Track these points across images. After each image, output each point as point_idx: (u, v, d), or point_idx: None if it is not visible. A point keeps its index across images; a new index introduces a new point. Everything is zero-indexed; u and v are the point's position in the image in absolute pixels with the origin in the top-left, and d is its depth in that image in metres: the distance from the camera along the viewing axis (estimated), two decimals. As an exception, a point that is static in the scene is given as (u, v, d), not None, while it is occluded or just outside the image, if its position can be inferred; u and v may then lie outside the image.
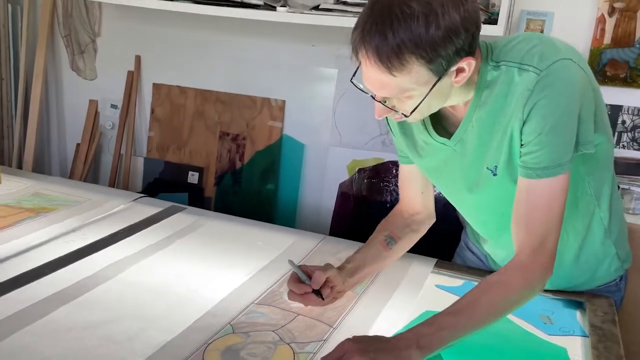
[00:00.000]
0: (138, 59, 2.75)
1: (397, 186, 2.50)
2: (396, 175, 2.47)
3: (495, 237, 1.24)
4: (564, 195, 0.98)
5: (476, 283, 1.07)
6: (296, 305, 1.13)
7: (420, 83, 0.92)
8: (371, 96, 0.98)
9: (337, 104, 2.53)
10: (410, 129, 1.15)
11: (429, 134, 1.11)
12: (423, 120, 1.09)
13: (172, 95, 2.72)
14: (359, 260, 1.16)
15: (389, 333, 1.06)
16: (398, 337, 0.92)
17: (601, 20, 1.88)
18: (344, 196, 2.53)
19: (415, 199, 1.26)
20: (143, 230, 1.48)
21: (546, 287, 1.25)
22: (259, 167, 2.64)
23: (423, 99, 0.94)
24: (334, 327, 1.08)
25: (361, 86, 0.97)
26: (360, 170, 2.48)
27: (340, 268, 1.13)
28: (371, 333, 1.06)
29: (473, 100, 1.03)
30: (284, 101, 2.59)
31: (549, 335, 1.14)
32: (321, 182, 2.52)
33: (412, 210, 1.26)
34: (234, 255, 1.37)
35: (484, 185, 1.08)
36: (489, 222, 1.21)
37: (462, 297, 0.97)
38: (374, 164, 2.47)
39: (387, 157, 2.52)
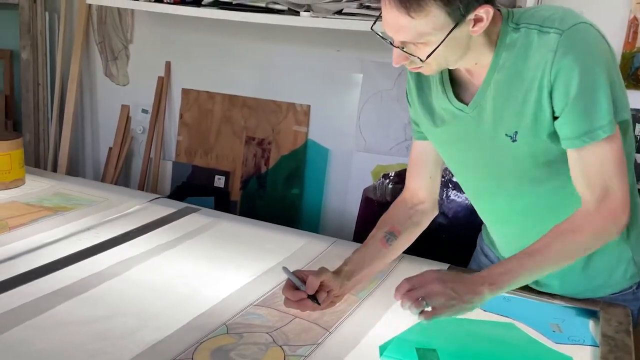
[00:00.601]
0: (168, 65, 2.80)
1: None
2: None
3: (504, 222, 1.21)
4: (618, 153, 0.98)
5: None
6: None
7: (437, 28, 0.93)
8: (390, 43, 0.99)
9: (362, 109, 2.52)
10: (429, 97, 1.14)
11: (448, 100, 1.09)
12: (443, 85, 1.09)
13: (201, 100, 2.75)
14: (356, 261, 1.14)
15: (386, 339, 1.04)
16: (474, 275, 0.99)
17: (633, 23, 1.81)
18: (368, 201, 2.50)
19: (422, 185, 1.24)
20: (155, 230, 1.49)
21: (557, 293, 1.24)
22: (284, 172, 2.64)
23: (439, 45, 0.94)
24: (330, 331, 1.06)
25: (380, 33, 0.99)
26: (384, 175, 2.45)
27: (337, 272, 1.10)
28: (368, 339, 1.04)
29: (492, 62, 1.02)
30: (309, 106, 2.59)
31: (556, 343, 1.09)
32: (345, 187, 2.51)
33: (417, 199, 1.24)
34: (241, 256, 1.36)
35: (501, 153, 1.07)
36: (499, 202, 1.18)
37: (534, 242, 1.00)
38: (399, 169, 2.44)
39: (412, 163, 2.46)
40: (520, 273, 0.98)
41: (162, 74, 2.81)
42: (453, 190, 2.47)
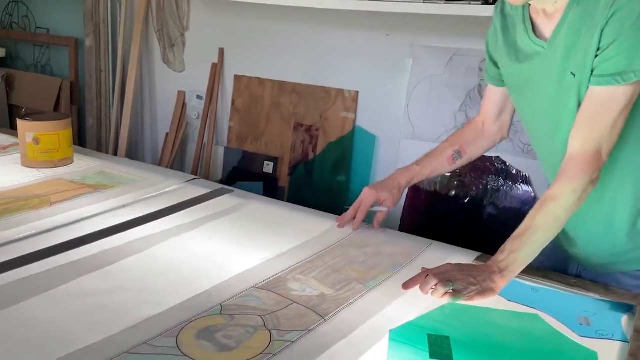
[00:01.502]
0: (221, 52, 2.84)
1: (471, 181, 2.36)
2: (472, 170, 2.34)
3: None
4: (629, 107, 1.02)
5: None
6: (296, 293, 1.09)
7: None
8: None
9: (411, 95, 2.44)
10: (513, 36, 1.19)
11: (529, 37, 1.15)
12: (524, 24, 1.15)
13: (252, 87, 2.77)
14: (425, 165, 1.39)
15: (383, 331, 0.99)
16: (484, 264, 1.09)
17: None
18: (415, 190, 2.43)
19: (494, 113, 1.37)
20: (185, 210, 1.51)
21: (581, 254, 1.29)
22: (331, 159, 2.61)
23: None
24: (325, 319, 1.02)
25: None
26: (433, 164, 2.36)
27: (408, 169, 1.40)
28: (363, 329, 1.00)
29: (569, 0, 1.06)
30: (357, 92, 2.55)
31: (581, 336, 1.02)
32: (391, 176, 2.44)
33: (487, 123, 1.39)
34: (259, 239, 1.35)
35: (564, 90, 1.10)
36: (549, 147, 1.22)
37: (524, 220, 1.08)
38: None
39: (462, 151, 2.37)
40: (520, 254, 1.07)
41: (216, 61, 2.85)
42: (505, 180, 2.36)
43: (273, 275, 1.17)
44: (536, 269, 1.26)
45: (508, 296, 1.14)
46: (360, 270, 1.20)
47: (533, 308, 1.11)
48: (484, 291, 1.05)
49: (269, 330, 0.98)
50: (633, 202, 1.16)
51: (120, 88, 3.04)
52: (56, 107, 3.16)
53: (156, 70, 3.04)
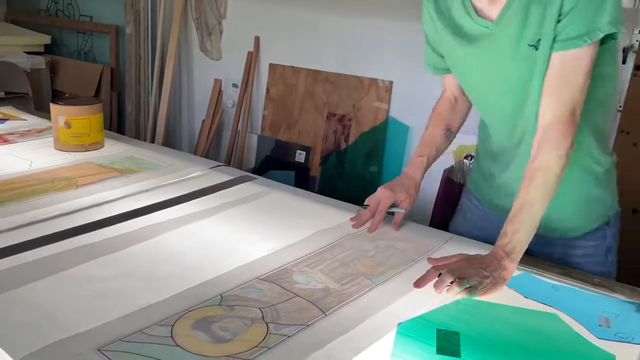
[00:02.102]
0: (257, 40, 2.83)
1: None
2: None
3: (514, 147, 1.24)
4: (592, 64, 1.05)
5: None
6: (300, 286, 1.07)
7: None
8: None
9: (446, 85, 2.36)
10: (453, 19, 1.19)
11: (472, 19, 1.15)
12: (465, 7, 1.15)
13: (286, 75, 2.75)
14: (431, 156, 1.38)
15: (385, 328, 0.96)
16: (490, 253, 1.08)
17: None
18: (449, 182, 2.36)
19: (459, 89, 1.37)
20: (204, 197, 1.51)
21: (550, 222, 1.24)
22: (363, 149, 2.57)
23: None
24: (326, 314, 0.99)
25: None
26: (467, 156, 2.30)
27: (416, 163, 1.37)
28: (364, 326, 0.96)
29: None
30: (391, 82, 2.49)
31: (598, 338, 0.96)
32: (424, 167, 2.39)
33: (454, 97, 1.40)
34: (272, 229, 1.33)
35: (523, 64, 1.11)
36: (514, 123, 1.22)
37: (516, 197, 1.08)
38: None
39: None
40: (521, 233, 1.07)
41: (252, 49, 2.84)
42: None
43: (279, 267, 1.15)
44: (559, 267, 1.20)
45: (525, 293, 1.09)
46: (369, 264, 1.17)
47: (551, 306, 1.06)
48: (497, 282, 1.05)
49: (267, 323, 0.96)
50: (591, 158, 1.22)
51: (158, 75, 3.07)
52: (97, 93, 3.22)
53: (194, 58, 3.06)
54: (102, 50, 3.38)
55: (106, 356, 0.86)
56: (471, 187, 1.50)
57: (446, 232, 1.35)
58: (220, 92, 2.98)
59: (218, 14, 2.91)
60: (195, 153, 3.05)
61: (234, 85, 2.93)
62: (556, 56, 1.06)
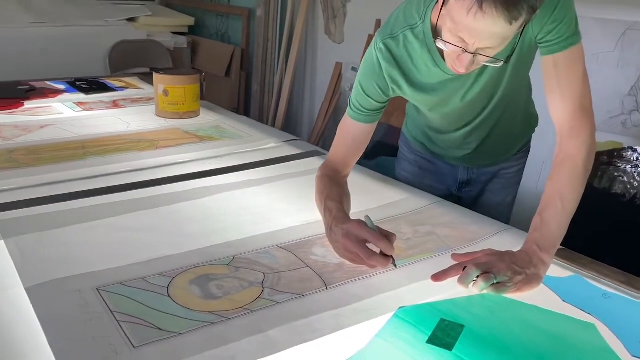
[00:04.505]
0: (378, 23, 2.78)
1: (634, 177, 2.04)
2: (637, 164, 2.03)
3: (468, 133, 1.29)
4: (584, 60, 1.06)
5: None
6: (315, 258, 1.03)
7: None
8: (463, 50, 0.95)
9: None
10: (417, 78, 1.14)
11: (441, 69, 1.10)
12: (435, 62, 1.09)
13: (402, 59, 2.66)
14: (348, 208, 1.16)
15: (378, 311, 0.89)
16: (522, 248, 1.00)
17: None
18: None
19: (353, 159, 1.25)
20: (265, 167, 1.52)
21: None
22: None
23: (516, 45, 1.03)
24: (327, 287, 0.94)
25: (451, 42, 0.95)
26: (590, 155, 2.07)
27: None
28: (357, 305, 0.90)
29: None
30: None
31: (633, 356, 0.83)
32: (540, 167, 2.22)
33: (347, 169, 1.25)
34: (313, 202, 1.29)
35: (497, 76, 1.13)
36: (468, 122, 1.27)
37: (546, 190, 1.04)
38: (610, 148, 2.06)
39: (626, 141, 2.06)
40: (554, 226, 1.00)
41: (372, 32, 2.79)
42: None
43: (302, 238, 1.11)
44: (619, 272, 1.03)
45: (564, 296, 0.95)
46: (399, 247, 1.09)
47: (591, 314, 0.91)
48: (530, 279, 0.95)
49: (263, 288, 0.93)
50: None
51: (284, 57, 3.15)
52: (227, 73, 3.39)
53: (318, 42, 3.09)
54: (236, 32, 3.55)
55: (101, 296, 0.90)
56: (409, 138, 1.54)
57: (501, 223, 1.22)
58: (340, 75, 2.98)
59: (344, -3, 2.91)
60: (311, 134, 3.08)
61: (354, 69, 2.91)
62: (550, 59, 1.05)
